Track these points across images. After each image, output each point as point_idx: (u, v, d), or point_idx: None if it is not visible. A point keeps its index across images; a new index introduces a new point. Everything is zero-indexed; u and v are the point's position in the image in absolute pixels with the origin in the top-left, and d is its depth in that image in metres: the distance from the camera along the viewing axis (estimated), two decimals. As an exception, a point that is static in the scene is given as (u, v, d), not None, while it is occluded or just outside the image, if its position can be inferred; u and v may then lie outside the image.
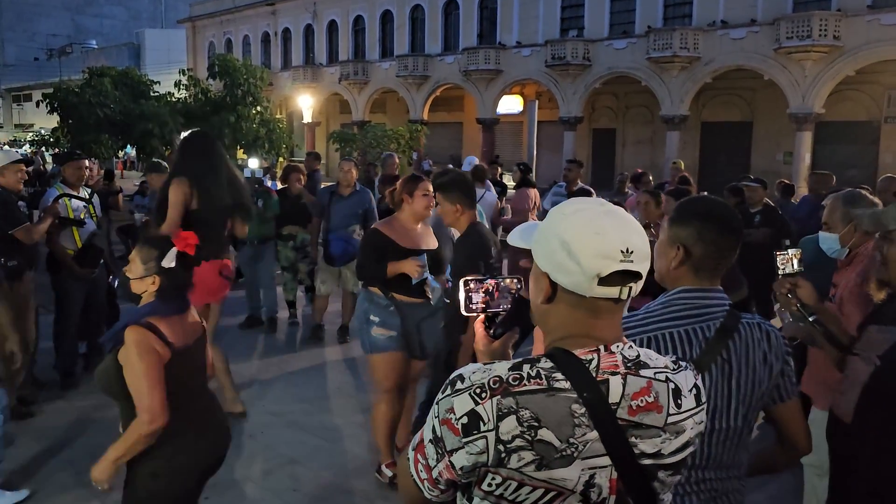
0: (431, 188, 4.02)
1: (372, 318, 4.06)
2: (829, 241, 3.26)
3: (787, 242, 2.54)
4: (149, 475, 2.52)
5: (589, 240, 1.26)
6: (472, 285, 1.53)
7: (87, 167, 6.18)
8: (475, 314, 1.54)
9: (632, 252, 1.26)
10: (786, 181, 10.58)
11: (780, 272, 2.46)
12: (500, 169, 11.49)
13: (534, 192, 8.54)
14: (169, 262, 2.55)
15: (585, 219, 1.28)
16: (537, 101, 15.13)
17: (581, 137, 30.20)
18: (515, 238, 1.50)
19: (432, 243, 4.23)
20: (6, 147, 9.19)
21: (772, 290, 2.57)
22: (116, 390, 2.47)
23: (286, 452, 4.71)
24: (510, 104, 32.05)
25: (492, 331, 1.54)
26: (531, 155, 13.64)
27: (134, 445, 2.45)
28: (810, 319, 2.36)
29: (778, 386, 1.91)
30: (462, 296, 1.53)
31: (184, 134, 19.38)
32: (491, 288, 1.54)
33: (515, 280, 1.57)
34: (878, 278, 2.24)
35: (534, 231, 1.39)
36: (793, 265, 2.48)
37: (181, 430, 2.56)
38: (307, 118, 33.14)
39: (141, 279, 2.57)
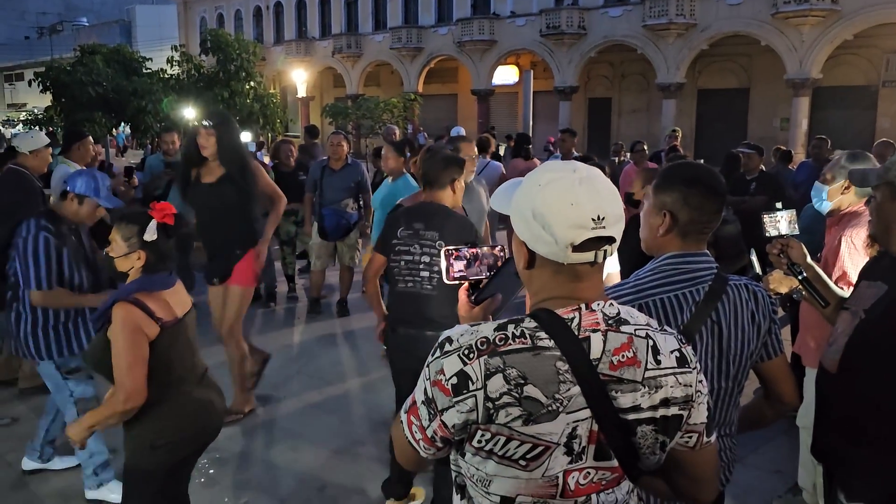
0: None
1: None
2: (818, 190, 3.30)
3: (779, 205, 2.52)
4: (148, 447, 2.56)
5: (563, 211, 1.28)
6: (452, 254, 1.56)
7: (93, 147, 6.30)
8: (457, 282, 1.58)
9: (604, 218, 1.29)
10: (783, 147, 10.57)
11: (766, 233, 2.47)
12: (493, 140, 11.43)
13: (530, 165, 8.48)
14: (151, 235, 2.55)
15: (559, 190, 1.30)
16: (532, 72, 14.98)
17: (577, 107, 30.07)
18: (496, 203, 1.51)
19: None
20: (35, 129, 9.16)
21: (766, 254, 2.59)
22: (105, 368, 2.48)
23: (287, 425, 4.76)
24: (505, 75, 31.83)
25: (473, 297, 1.56)
26: (527, 125, 13.55)
27: (108, 419, 2.49)
28: (799, 279, 2.39)
29: (766, 344, 1.96)
30: (443, 264, 1.56)
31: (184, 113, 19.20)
32: (471, 256, 1.57)
33: (497, 248, 1.60)
34: (870, 234, 2.28)
35: (511, 196, 1.40)
36: (781, 227, 2.48)
37: (178, 402, 2.59)
38: (301, 93, 32.95)
39: (126, 256, 2.57)
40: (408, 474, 3.54)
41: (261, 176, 4.63)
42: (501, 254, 1.59)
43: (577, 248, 1.29)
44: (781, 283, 2.74)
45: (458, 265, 1.56)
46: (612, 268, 3.14)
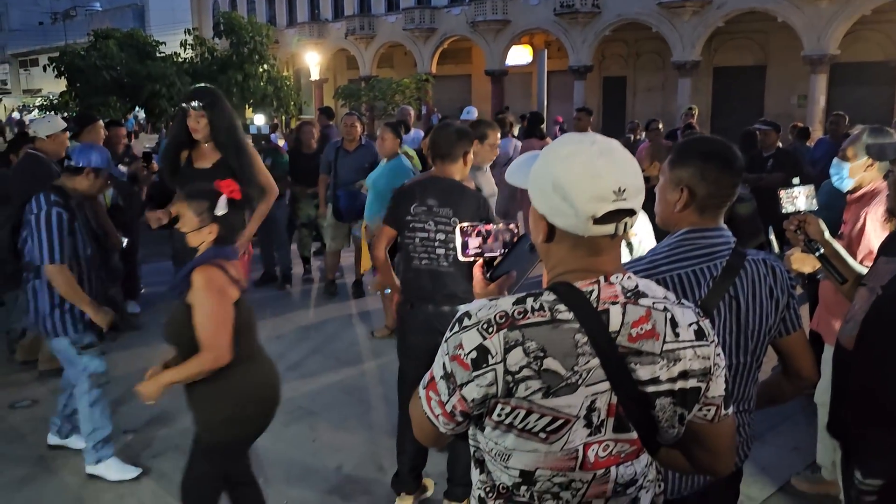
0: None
1: None
2: (838, 167, 3.21)
3: (796, 180, 2.48)
4: (223, 419, 2.63)
5: (583, 184, 1.27)
6: (467, 231, 1.56)
7: (103, 132, 6.35)
8: (472, 259, 1.57)
9: (624, 191, 1.28)
10: (800, 124, 10.43)
11: (783, 210, 2.44)
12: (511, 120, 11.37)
13: (544, 144, 8.46)
14: (221, 209, 2.64)
15: (580, 162, 1.29)
16: (546, 51, 14.86)
17: (591, 86, 29.80)
18: (512, 176, 1.50)
19: None
20: (51, 113, 9.23)
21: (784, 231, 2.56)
22: (186, 338, 2.54)
23: (304, 405, 4.80)
24: (519, 55, 31.58)
25: (488, 274, 1.56)
26: (541, 105, 13.47)
27: (191, 376, 2.56)
28: (816, 255, 2.36)
29: (784, 319, 1.94)
30: (458, 241, 1.56)
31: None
32: (486, 233, 1.57)
33: (511, 224, 1.59)
34: (889, 209, 2.25)
35: (529, 169, 1.40)
36: (799, 203, 2.45)
37: (250, 375, 2.68)
38: (314, 75, 32.86)
39: (197, 231, 2.64)
40: (417, 466, 3.55)
41: (255, 160, 4.32)
42: (516, 231, 1.58)
43: (598, 221, 1.28)
44: (804, 262, 2.70)
45: (474, 242, 1.56)
46: (648, 242, 3.09)
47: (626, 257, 2.79)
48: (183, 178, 4.13)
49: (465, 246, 1.56)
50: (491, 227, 1.57)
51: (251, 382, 2.69)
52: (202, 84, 4.70)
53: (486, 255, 1.57)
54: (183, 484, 2.78)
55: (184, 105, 4.04)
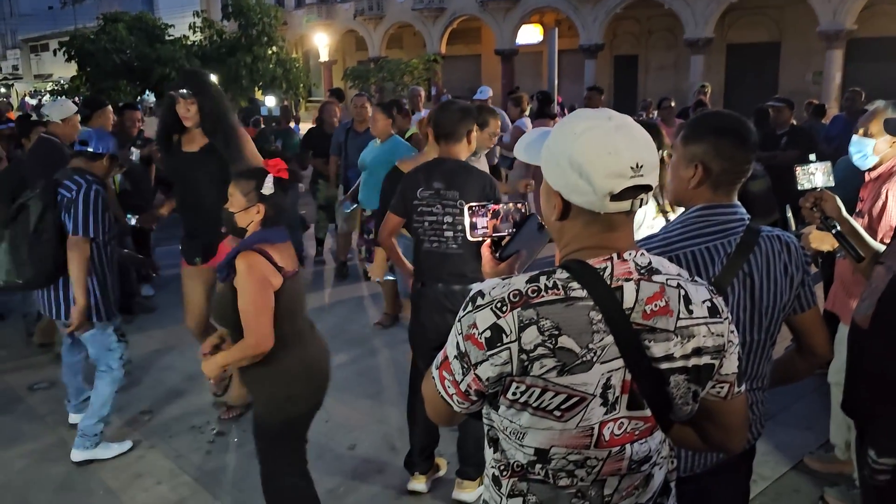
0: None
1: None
2: (860, 144, 3.13)
3: (813, 156, 2.45)
4: (284, 399, 2.68)
5: (601, 160, 1.26)
6: (476, 210, 1.55)
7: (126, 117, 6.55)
8: (480, 239, 1.56)
9: (642, 167, 1.27)
10: (815, 101, 10.31)
11: (799, 186, 2.41)
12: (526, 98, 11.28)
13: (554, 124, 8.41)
14: (268, 188, 2.66)
15: (597, 138, 1.27)
16: (557, 30, 14.69)
17: (602, 65, 29.51)
18: (521, 152, 1.48)
19: None
20: (63, 98, 9.32)
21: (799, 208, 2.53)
22: (231, 318, 2.60)
23: (317, 385, 4.82)
24: (529, 34, 31.27)
25: (497, 254, 1.55)
26: (552, 85, 13.36)
27: (238, 361, 2.63)
28: (833, 233, 2.34)
29: (799, 296, 1.93)
30: (467, 222, 1.55)
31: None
32: (494, 213, 1.55)
33: (519, 204, 1.58)
34: None
35: (540, 146, 1.38)
36: (816, 179, 2.42)
37: (304, 353, 2.74)
38: (323, 56, 32.75)
39: (245, 210, 2.67)
40: (428, 446, 3.57)
41: (246, 144, 4.14)
42: (524, 210, 1.57)
43: (615, 198, 1.27)
44: (822, 240, 2.67)
45: (482, 222, 1.55)
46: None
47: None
48: (173, 162, 4.12)
49: (473, 226, 1.55)
50: (499, 206, 1.56)
51: (298, 364, 2.72)
52: (189, 68, 4.60)
53: (494, 234, 1.56)
54: (268, 492, 2.84)
55: (172, 93, 3.96)
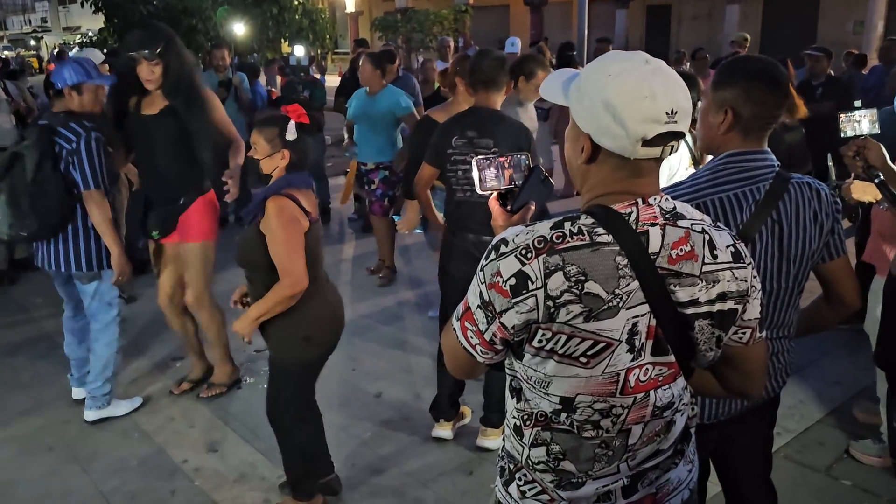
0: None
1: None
2: None
3: (858, 103, 2.41)
4: (301, 339, 2.76)
5: (637, 104, 1.22)
6: (482, 163, 1.53)
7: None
8: (489, 192, 1.55)
9: (676, 112, 1.23)
10: (855, 51, 9.97)
11: (843, 134, 2.35)
12: (548, 51, 11.10)
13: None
14: (292, 134, 2.69)
15: (633, 81, 1.23)
16: (588, -23, 14.31)
17: (634, 16, 28.81)
18: (549, 91, 1.44)
19: None
20: (91, 49, 8.98)
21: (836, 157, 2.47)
22: (257, 260, 2.65)
23: (343, 335, 4.87)
24: (559, -18, 30.54)
25: (508, 207, 1.54)
26: (582, 36, 13.07)
27: (274, 306, 2.66)
28: (876, 182, 2.28)
29: (828, 244, 1.90)
30: (475, 175, 1.53)
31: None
32: (502, 164, 1.53)
33: (523, 155, 1.55)
34: None
35: (570, 85, 1.35)
36: (863, 126, 2.36)
37: (322, 298, 2.80)
38: (349, 7, 32.31)
39: (270, 157, 2.70)
40: (455, 394, 3.61)
41: (215, 109, 3.77)
42: (528, 162, 1.55)
43: (647, 143, 1.24)
44: (864, 191, 2.61)
45: (490, 175, 1.53)
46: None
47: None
48: (130, 125, 3.77)
49: (482, 179, 1.53)
50: (504, 158, 1.54)
51: (320, 307, 2.79)
52: (152, 21, 4.02)
53: (502, 187, 1.54)
54: (270, 411, 2.94)
55: (133, 54, 3.56)
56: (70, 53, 30.82)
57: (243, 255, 2.72)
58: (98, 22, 23.30)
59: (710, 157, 1.92)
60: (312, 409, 3.01)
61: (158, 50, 3.53)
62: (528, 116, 4.29)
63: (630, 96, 1.22)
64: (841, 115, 2.37)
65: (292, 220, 2.60)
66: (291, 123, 2.69)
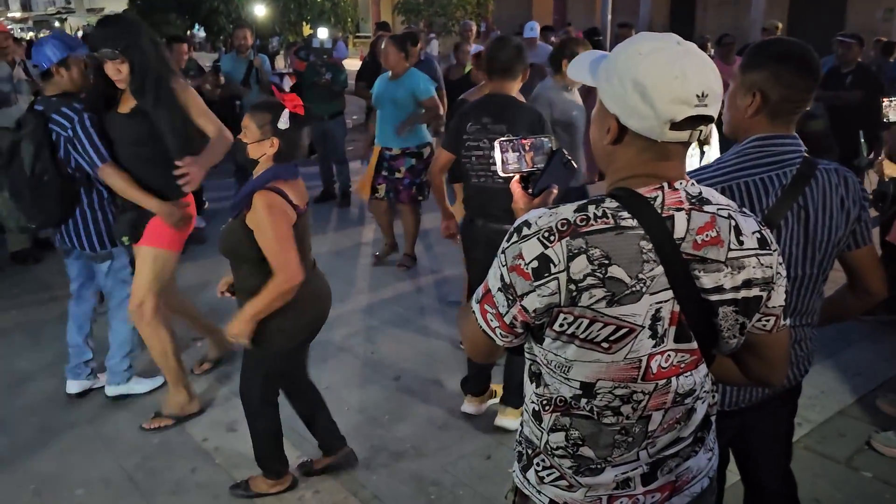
0: None
1: None
2: None
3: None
4: (276, 330, 2.72)
5: (667, 84, 1.20)
6: (505, 146, 1.51)
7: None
8: (511, 175, 1.53)
9: (707, 95, 1.21)
10: (884, 39, 9.79)
11: (885, 119, 2.36)
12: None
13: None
14: (284, 123, 2.65)
15: (664, 60, 1.21)
16: (612, -39, 14.15)
17: (658, 1, 28.46)
18: (577, 72, 1.41)
19: None
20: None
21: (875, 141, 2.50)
22: (243, 252, 2.64)
23: (362, 318, 4.91)
24: (584, -33, 30.23)
25: (530, 190, 1.52)
26: (605, 21, 12.95)
27: (272, 303, 2.62)
28: None
29: (854, 232, 1.88)
30: (498, 157, 1.52)
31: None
32: (524, 147, 1.52)
33: (545, 138, 1.54)
34: None
35: (600, 65, 1.33)
36: None
37: (307, 288, 2.73)
38: (372, -10, 32.17)
39: (258, 143, 2.67)
40: (485, 371, 3.61)
41: (193, 106, 3.46)
42: (550, 144, 1.54)
43: (675, 126, 1.22)
44: None
45: (512, 157, 1.52)
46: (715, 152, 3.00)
47: (694, 164, 2.72)
48: (108, 124, 3.49)
49: (504, 161, 1.52)
50: (526, 140, 1.52)
51: (306, 296, 2.74)
52: (115, 14, 3.73)
53: (524, 170, 1.52)
54: (242, 392, 2.94)
55: (96, 54, 3.33)
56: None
57: (228, 246, 2.69)
58: (122, 3, 23.49)
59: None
60: (300, 386, 3.06)
61: (120, 48, 3.27)
62: (576, 100, 4.26)
63: (660, 76, 1.20)
64: (884, 100, 2.40)
65: (281, 214, 2.57)
66: (285, 112, 2.65)
